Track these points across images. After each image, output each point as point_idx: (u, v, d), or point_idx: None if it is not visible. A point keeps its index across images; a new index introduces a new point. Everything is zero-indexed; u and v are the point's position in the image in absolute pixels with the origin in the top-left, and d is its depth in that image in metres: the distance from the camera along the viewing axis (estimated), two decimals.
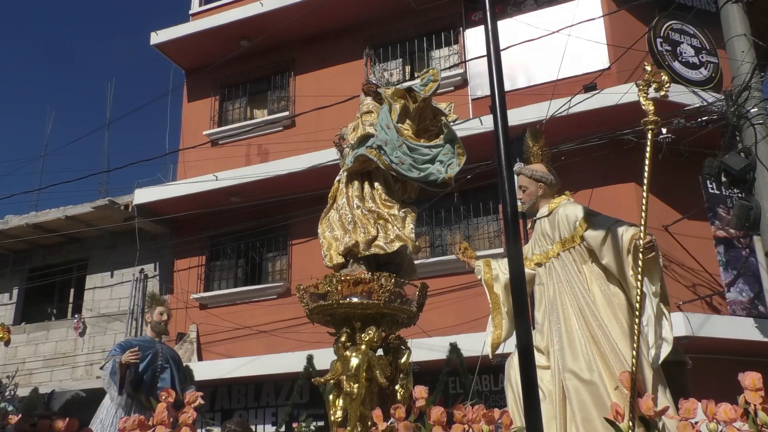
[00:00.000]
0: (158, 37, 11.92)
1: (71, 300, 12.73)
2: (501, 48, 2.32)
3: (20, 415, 2.67)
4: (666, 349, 3.22)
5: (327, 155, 8.88)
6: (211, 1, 12.55)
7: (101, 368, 4.94)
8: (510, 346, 3.52)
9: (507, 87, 2.38)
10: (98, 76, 31.63)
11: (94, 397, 5.87)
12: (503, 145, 2.09)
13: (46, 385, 11.13)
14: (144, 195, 11.10)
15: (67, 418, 2.57)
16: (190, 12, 12.61)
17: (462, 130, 6.50)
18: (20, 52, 31.53)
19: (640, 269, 3.11)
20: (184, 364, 5.79)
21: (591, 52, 9.22)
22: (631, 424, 2.64)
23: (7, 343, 12.26)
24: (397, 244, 3.57)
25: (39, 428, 2.57)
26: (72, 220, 11.71)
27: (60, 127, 30.03)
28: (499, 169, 2.19)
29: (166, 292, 10.90)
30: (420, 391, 2.77)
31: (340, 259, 3.63)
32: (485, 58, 2.29)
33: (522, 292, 2.20)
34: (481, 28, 10.48)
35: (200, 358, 10.60)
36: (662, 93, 3.16)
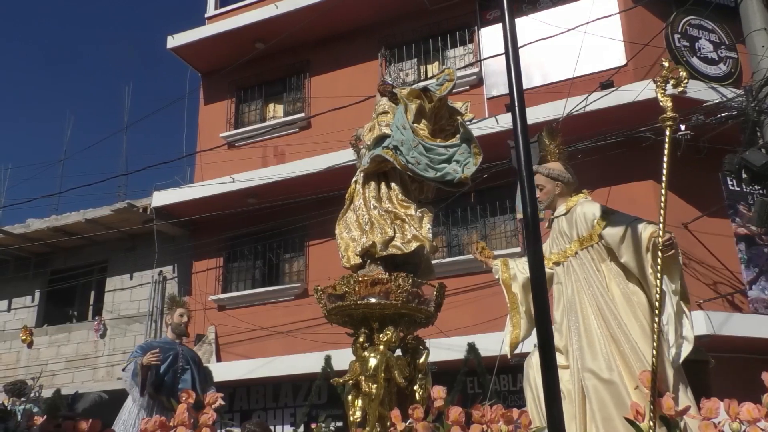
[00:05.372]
0: (174, 40, 12.03)
1: (92, 302, 12.88)
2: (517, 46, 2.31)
3: (45, 417, 2.71)
4: (687, 348, 3.18)
5: (343, 156, 8.89)
6: (226, 5, 12.64)
7: (123, 370, 5.01)
8: (528, 345, 3.50)
9: (523, 85, 2.37)
10: (115, 80, 31.98)
11: (117, 398, 5.93)
12: (522, 145, 2.08)
13: (68, 387, 11.26)
14: (162, 197, 11.20)
15: (90, 419, 2.61)
16: (206, 15, 12.71)
17: (478, 129, 6.49)
18: (38, 57, 32.00)
19: (659, 267, 3.08)
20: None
21: (607, 49, 9.14)
22: (651, 423, 2.62)
23: (30, 344, 12.54)
24: (414, 245, 3.56)
25: (63, 429, 2.61)
26: (92, 223, 11.85)
27: (79, 131, 30.40)
28: (518, 168, 2.17)
29: (185, 294, 10.98)
30: (438, 391, 2.77)
31: (358, 260, 3.64)
32: (500, 56, 2.28)
33: (543, 292, 2.18)
34: (496, 26, 10.46)
35: (219, 359, 10.67)
36: (680, 89, 3.12)
